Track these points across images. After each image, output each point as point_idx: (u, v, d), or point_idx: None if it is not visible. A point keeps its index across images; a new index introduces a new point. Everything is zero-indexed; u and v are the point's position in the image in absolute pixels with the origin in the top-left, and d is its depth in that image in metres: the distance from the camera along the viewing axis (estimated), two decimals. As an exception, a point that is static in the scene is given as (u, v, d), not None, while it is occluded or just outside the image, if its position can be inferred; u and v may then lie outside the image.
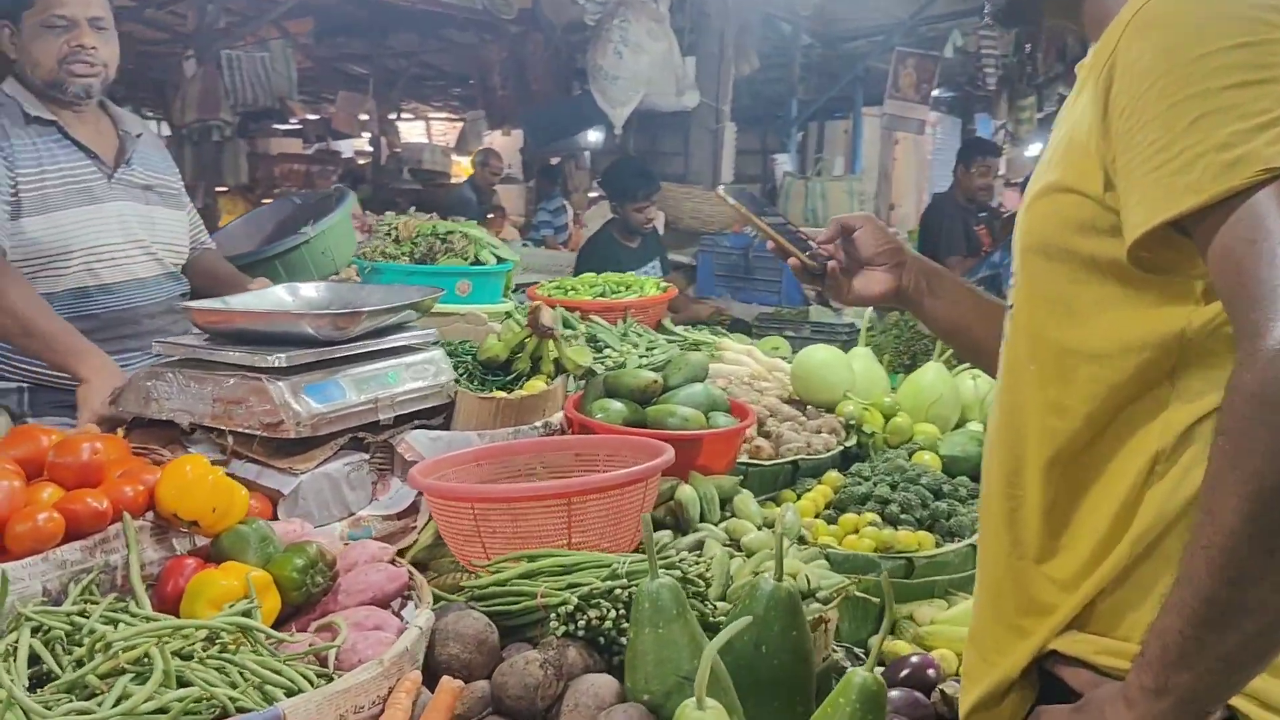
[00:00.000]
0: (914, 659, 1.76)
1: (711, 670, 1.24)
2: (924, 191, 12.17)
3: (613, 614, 1.51)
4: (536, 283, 3.70)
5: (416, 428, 2.15)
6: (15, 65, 2.63)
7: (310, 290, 2.37)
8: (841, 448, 2.65)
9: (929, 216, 6.77)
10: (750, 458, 2.49)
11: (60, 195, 2.55)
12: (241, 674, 1.30)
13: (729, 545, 1.99)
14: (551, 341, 2.53)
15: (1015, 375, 1.19)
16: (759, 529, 2.07)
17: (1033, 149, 9.49)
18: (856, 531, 2.18)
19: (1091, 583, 1.10)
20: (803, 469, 2.53)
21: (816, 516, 2.29)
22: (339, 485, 2.00)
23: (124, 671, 1.27)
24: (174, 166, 2.92)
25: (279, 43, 7.98)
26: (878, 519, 2.23)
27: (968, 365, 2.94)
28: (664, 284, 3.59)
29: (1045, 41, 8.53)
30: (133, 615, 1.42)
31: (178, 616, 1.48)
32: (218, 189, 8.36)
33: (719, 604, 1.66)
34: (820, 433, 2.66)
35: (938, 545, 2.17)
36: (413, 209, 3.39)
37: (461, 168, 11.80)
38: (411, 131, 14.76)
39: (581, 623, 1.51)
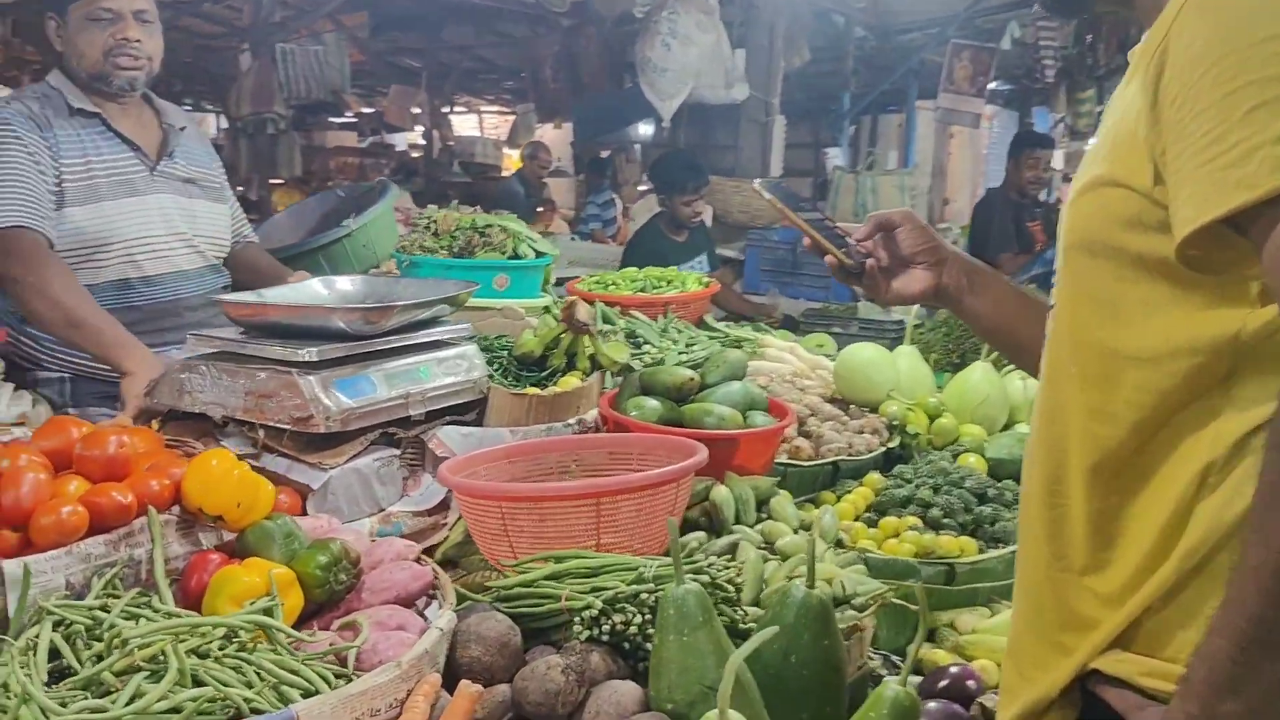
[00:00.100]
0: (953, 669, 1.70)
1: (737, 680, 1.19)
2: (979, 187, 11.94)
3: (638, 619, 1.47)
4: (578, 277, 3.67)
5: (449, 423, 2.13)
6: (61, 58, 2.66)
7: (345, 284, 2.37)
8: (884, 449, 2.60)
9: (980, 212, 6.62)
10: (790, 458, 2.45)
11: (103, 186, 2.56)
12: (258, 673, 1.29)
13: (764, 548, 1.93)
14: (587, 337, 2.49)
15: (1057, 377, 1.14)
16: (795, 532, 2.02)
17: (1093, 143, 9.25)
18: (897, 536, 2.13)
19: (1137, 599, 1.05)
20: (843, 470, 2.48)
21: (856, 519, 2.24)
22: (369, 481, 1.99)
23: (140, 669, 1.26)
24: (217, 159, 2.93)
25: (333, 36, 8.05)
26: (919, 523, 2.18)
27: (1016, 365, 2.86)
28: (706, 279, 3.54)
29: (1107, 32, 8.29)
30: (154, 611, 1.42)
31: (200, 612, 1.47)
32: (272, 181, 8.45)
33: (750, 609, 1.62)
34: (862, 433, 2.61)
35: (981, 551, 2.11)
36: (455, 202, 3.38)
37: (512, 161, 11.82)
38: (464, 125, 14.84)
39: (606, 627, 1.47)
